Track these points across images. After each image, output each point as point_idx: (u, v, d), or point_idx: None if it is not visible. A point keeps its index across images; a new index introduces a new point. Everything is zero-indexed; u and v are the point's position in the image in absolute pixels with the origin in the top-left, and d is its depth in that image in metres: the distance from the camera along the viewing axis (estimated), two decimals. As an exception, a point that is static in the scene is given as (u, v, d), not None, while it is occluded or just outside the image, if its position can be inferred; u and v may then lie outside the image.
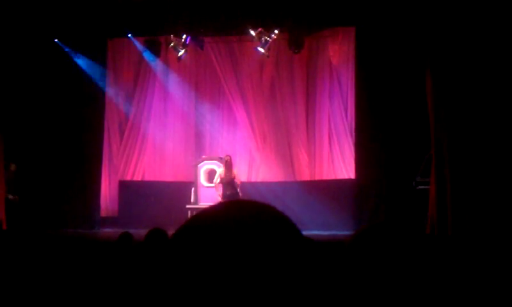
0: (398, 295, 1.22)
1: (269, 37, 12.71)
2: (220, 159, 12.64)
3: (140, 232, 5.63)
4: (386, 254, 1.26)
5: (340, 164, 13.14)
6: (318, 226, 11.78)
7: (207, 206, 1.05)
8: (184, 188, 12.64)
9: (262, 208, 0.99)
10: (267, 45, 12.79)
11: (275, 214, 0.99)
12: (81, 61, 13.59)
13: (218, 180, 11.47)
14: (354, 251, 1.29)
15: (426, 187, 10.31)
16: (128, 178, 14.10)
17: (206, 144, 14.15)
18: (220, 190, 11.40)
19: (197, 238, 0.94)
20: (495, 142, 9.33)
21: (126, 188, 13.73)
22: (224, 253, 0.91)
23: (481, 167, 9.35)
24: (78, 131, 13.38)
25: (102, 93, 13.97)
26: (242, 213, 0.97)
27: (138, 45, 13.77)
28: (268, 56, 13.11)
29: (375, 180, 12.00)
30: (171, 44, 13.27)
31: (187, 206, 11.99)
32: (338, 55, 13.35)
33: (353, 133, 12.82)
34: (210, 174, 12.33)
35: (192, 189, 12.50)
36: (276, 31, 12.68)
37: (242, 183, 12.66)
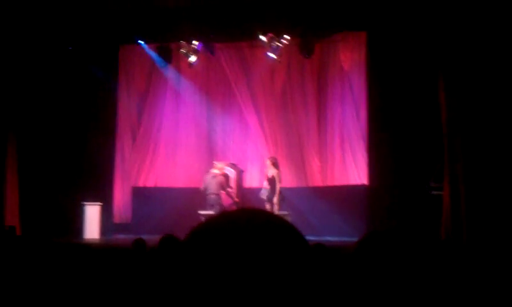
0: (401, 300, 1.22)
1: (280, 42, 12.71)
2: (232, 165, 12.63)
3: (153, 238, 5.64)
4: (388, 260, 1.25)
5: (353, 169, 13.07)
6: (330, 232, 11.73)
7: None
8: (196, 194, 12.63)
9: (269, 217, 1.01)
10: (278, 50, 12.79)
11: (282, 222, 1.01)
12: (93, 68, 13.69)
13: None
14: (357, 257, 1.29)
15: (440, 192, 10.23)
16: (141, 184, 14.15)
17: (218, 149, 14.16)
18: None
19: (206, 245, 0.96)
20: (510, 147, 9.25)
21: (139, 194, 13.78)
22: (231, 261, 0.93)
23: (495, 171, 9.26)
24: (90, 137, 13.47)
25: (114, 100, 14.07)
26: (249, 221, 0.98)
27: (150, 51, 13.84)
28: (279, 62, 13.11)
29: (388, 185, 11.92)
30: (183, 50, 13.32)
31: (200, 211, 11.98)
32: (350, 60, 13.30)
33: (365, 139, 12.76)
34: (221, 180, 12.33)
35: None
36: (287, 37, 12.68)
37: (253, 188, 12.65)
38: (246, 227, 0.97)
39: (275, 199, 11.39)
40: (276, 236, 0.97)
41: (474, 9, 9.54)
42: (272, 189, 11.46)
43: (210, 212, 11.53)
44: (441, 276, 1.32)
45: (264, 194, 11.56)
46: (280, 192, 11.43)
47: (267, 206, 11.45)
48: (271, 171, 11.65)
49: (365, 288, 1.24)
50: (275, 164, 11.65)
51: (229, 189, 12.08)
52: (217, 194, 11.60)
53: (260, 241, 0.94)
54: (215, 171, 11.86)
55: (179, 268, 0.96)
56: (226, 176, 12.17)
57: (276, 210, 11.25)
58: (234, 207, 12.24)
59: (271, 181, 11.56)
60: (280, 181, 11.47)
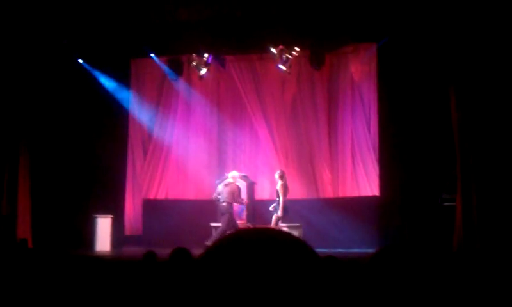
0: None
1: (290, 54, 12.73)
2: (243, 177, 12.60)
3: (164, 251, 5.64)
4: (403, 274, 1.25)
5: (364, 180, 13.02)
6: (342, 243, 11.67)
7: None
8: (207, 206, 12.61)
9: (280, 235, 1.03)
10: (288, 62, 12.82)
11: (293, 240, 1.03)
12: (105, 81, 13.78)
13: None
14: (371, 271, 1.29)
15: (452, 203, 10.17)
16: (152, 196, 14.18)
17: (228, 161, 14.16)
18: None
19: (220, 264, 0.97)
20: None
21: (150, 206, 13.80)
22: (244, 279, 0.94)
23: (508, 183, 9.19)
24: (102, 150, 13.54)
25: (125, 113, 14.15)
26: (262, 240, 1.00)
27: (161, 64, 13.92)
28: (289, 73, 13.14)
29: (400, 196, 11.85)
30: (193, 63, 13.40)
31: (212, 224, 11.97)
32: (360, 72, 13.30)
33: (376, 150, 12.71)
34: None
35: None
36: (297, 48, 12.70)
37: (264, 200, 12.60)
38: (258, 246, 0.98)
39: (279, 212, 11.36)
40: (288, 255, 0.98)
41: (485, 20, 9.51)
42: (278, 202, 11.47)
43: (220, 224, 11.50)
44: (454, 288, 1.31)
45: (273, 207, 11.54)
46: (284, 205, 11.39)
47: (273, 218, 11.45)
48: (278, 184, 11.67)
49: (379, 302, 1.23)
50: (282, 177, 11.64)
51: (240, 199, 12.05)
52: (229, 203, 11.57)
53: (272, 260, 0.96)
54: (229, 179, 11.87)
55: (193, 285, 0.97)
56: (238, 186, 12.13)
57: (278, 223, 11.23)
58: (244, 217, 12.23)
59: (277, 194, 11.59)
60: (284, 194, 11.44)
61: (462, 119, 9.84)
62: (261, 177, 13.88)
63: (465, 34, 9.74)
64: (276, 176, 11.69)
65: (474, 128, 9.64)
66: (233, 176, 11.89)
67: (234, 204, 11.73)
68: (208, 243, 10.94)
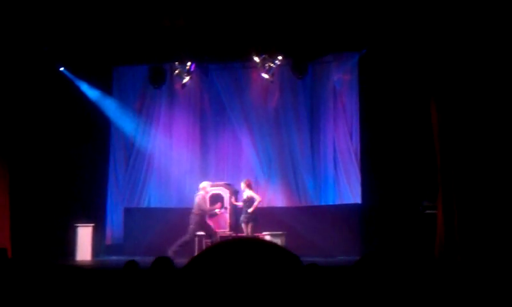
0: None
1: (273, 63, 12.79)
2: (226, 185, 12.59)
3: (146, 259, 5.60)
4: (385, 281, 1.26)
5: (346, 188, 13.10)
6: (325, 251, 11.69)
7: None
8: (189, 215, 12.54)
9: (264, 244, 1.03)
10: (271, 71, 12.87)
11: (276, 248, 1.03)
12: (86, 89, 13.69)
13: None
14: (354, 278, 1.29)
15: (433, 211, 10.25)
16: (134, 204, 14.09)
17: (211, 170, 14.15)
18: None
19: (204, 273, 0.97)
20: (501, 166, 9.29)
21: (131, 215, 13.70)
22: (228, 288, 0.94)
23: (488, 190, 9.29)
24: (83, 159, 13.42)
25: (107, 120, 14.06)
26: (246, 250, 1.00)
27: (143, 72, 13.87)
28: (272, 82, 13.18)
29: (381, 204, 11.93)
30: (176, 71, 13.38)
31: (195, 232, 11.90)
32: (342, 80, 13.40)
33: (358, 158, 12.80)
34: (216, 200, 12.27)
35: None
36: (279, 57, 12.76)
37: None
38: (242, 256, 0.98)
39: (251, 220, 11.38)
40: (271, 263, 0.98)
41: (466, 31, 9.63)
42: (247, 211, 11.46)
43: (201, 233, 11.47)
44: (437, 295, 1.32)
45: (242, 217, 11.56)
46: (254, 213, 11.43)
47: (244, 228, 11.45)
48: (246, 193, 11.64)
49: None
50: (249, 186, 11.69)
51: (208, 209, 11.89)
52: (197, 214, 11.42)
53: (255, 269, 0.96)
54: (199, 190, 11.76)
55: (175, 295, 0.96)
56: (203, 196, 11.92)
57: (250, 232, 11.25)
58: (227, 226, 12.18)
59: (247, 202, 11.53)
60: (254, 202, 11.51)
61: (442, 127, 9.94)
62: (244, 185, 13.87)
63: (446, 42, 9.85)
64: (243, 185, 11.70)
65: (455, 135, 9.74)
66: (203, 187, 11.77)
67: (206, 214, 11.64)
68: (170, 252, 10.67)
